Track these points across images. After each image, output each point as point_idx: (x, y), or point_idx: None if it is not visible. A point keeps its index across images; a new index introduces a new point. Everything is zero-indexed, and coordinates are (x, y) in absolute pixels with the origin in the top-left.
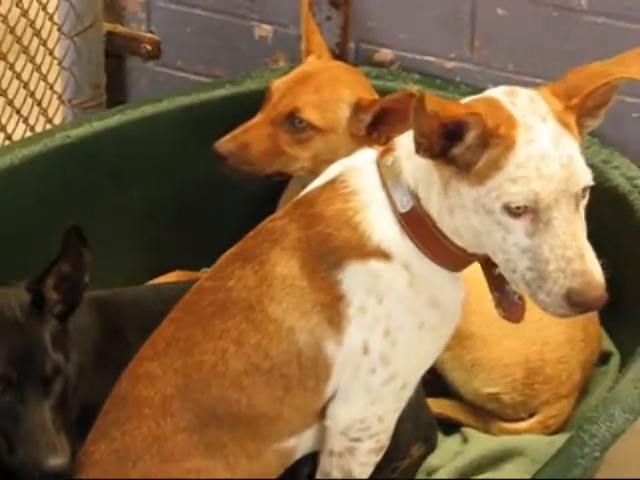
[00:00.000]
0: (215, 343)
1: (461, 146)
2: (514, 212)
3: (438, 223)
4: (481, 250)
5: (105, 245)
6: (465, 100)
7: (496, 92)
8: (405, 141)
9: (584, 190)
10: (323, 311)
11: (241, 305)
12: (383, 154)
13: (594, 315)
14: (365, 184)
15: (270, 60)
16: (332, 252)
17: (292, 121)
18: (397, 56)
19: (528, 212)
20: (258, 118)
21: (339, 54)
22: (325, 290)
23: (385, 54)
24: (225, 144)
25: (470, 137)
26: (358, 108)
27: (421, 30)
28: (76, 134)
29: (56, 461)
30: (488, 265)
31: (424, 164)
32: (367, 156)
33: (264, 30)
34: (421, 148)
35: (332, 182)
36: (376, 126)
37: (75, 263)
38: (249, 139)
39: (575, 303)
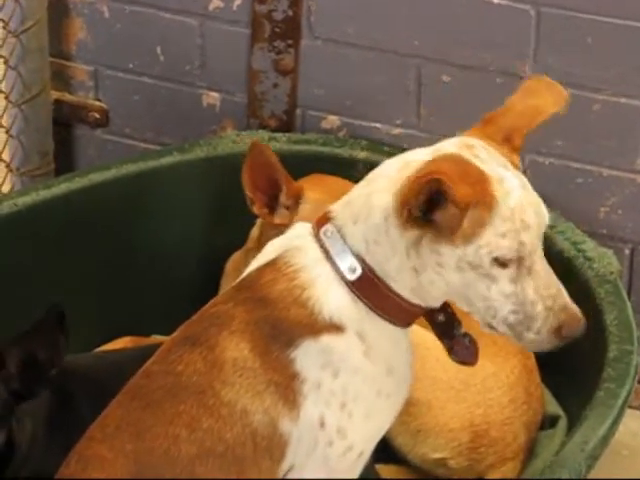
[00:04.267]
0: (167, 428)
1: (443, 212)
2: (504, 263)
3: (392, 284)
4: (439, 302)
5: None
6: (426, 155)
7: (452, 146)
8: (345, 209)
9: None
10: (277, 390)
11: (192, 389)
12: (319, 227)
13: (536, 377)
14: (308, 260)
15: (218, 127)
16: (283, 332)
17: None
18: (344, 123)
19: (514, 260)
20: None
21: (286, 121)
22: (278, 369)
23: (332, 121)
24: None
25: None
26: None
27: (368, 97)
28: (23, 202)
29: None
30: (432, 314)
31: (377, 229)
32: (302, 232)
33: (212, 98)
34: (405, 217)
35: (273, 263)
36: None
37: (47, 346)
38: None
39: (565, 336)
